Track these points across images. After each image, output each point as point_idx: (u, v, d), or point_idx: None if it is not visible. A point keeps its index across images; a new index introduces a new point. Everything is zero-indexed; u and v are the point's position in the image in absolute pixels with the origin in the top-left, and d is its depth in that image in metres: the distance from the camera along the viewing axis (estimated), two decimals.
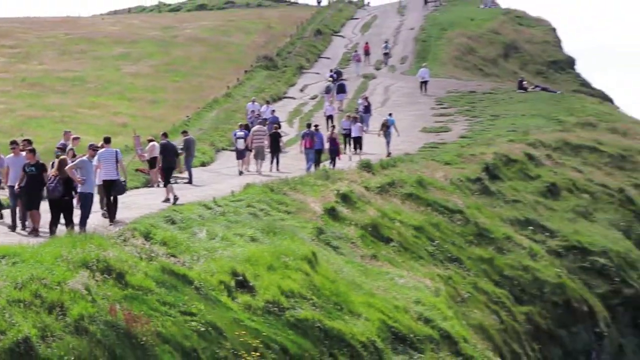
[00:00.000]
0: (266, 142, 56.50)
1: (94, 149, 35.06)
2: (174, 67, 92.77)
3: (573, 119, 74.72)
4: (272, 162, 56.45)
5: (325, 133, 58.88)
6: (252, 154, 56.23)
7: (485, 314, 39.29)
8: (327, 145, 56.98)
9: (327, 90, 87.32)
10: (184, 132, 54.93)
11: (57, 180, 31.09)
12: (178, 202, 38.99)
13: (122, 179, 35.43)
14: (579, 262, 52.82)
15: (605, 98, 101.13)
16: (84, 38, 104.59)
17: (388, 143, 64.43)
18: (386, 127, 65.22)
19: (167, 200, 39.88)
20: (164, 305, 22.47)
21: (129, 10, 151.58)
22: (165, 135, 46.57)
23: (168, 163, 43.25)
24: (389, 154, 61.98)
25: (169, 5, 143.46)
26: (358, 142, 62.86)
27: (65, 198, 31.26)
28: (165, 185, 42.02)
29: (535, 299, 46.03)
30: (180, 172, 48.32)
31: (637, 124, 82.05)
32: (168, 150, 44.45)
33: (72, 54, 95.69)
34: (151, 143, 48.96)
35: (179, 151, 47.36)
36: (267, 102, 75.07)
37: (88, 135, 53.23)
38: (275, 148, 56.77)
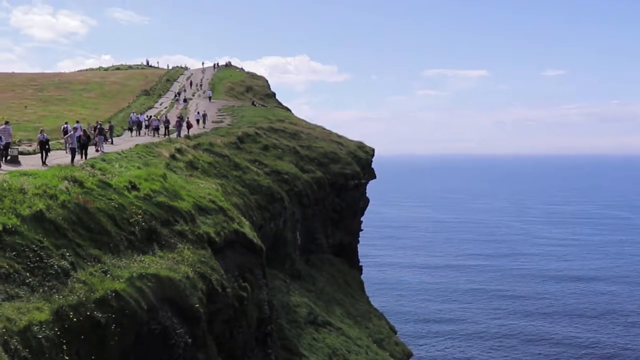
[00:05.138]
0: (159, 125, 56.69)
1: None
2: (104, 94, 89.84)
3: (274, 118, 74.65)
4: (156, 133, 56.01)
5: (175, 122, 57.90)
6: (151, 129, 56.63)
7: (238, 199, 39.55)
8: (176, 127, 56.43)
9: (177, 101, 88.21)
10: (109, 122, 54.00)
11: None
12: (104, 152, 37.72)
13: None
14: (277, 177, 53.44)
15: (287, 109, 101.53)
16: (66, 82, 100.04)
17: (205, 125, 65.17)
18: (204, 117, 66.40)
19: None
20: (100, 196, 22.07)
21: (88, 70, 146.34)
22: (109, 122, 47.50)
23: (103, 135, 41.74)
24: (204, 129, 62.76)
25: (103, 67, 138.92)
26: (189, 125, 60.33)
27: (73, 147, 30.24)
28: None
29: (258, 193, 46.32)
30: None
31: (301, 120, 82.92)
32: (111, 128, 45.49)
33: (62, 89, 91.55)
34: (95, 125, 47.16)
35: (106, 130, 46.51)
36: (141, 113, 71.37)
37: (72, 120, 50.95)
38: (157, 128, 56.99)
